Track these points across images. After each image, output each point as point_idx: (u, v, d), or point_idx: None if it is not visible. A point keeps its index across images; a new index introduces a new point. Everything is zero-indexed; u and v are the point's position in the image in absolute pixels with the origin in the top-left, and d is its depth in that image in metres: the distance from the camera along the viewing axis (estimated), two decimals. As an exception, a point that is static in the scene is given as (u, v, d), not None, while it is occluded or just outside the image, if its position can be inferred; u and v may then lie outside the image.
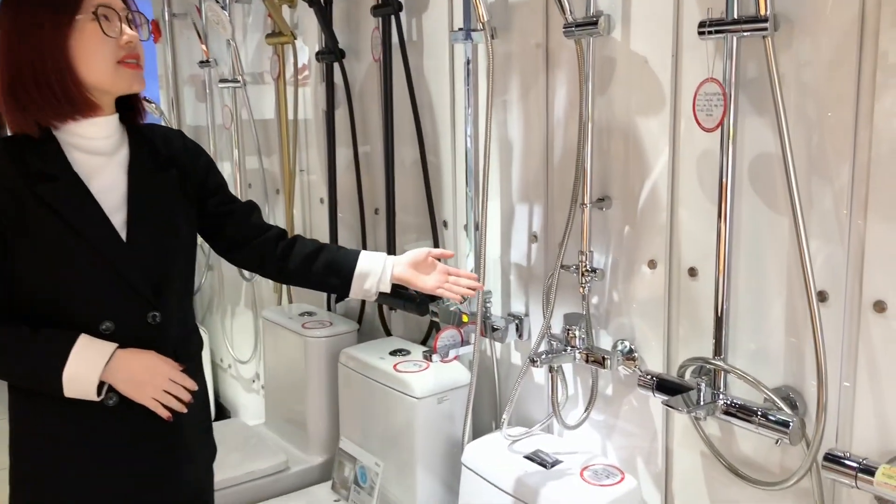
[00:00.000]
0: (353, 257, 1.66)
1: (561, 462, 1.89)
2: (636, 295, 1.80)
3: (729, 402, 1.51)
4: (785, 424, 1.40)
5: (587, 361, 1.82)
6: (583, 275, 1.83)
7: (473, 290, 1.70)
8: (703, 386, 1.54)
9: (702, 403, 1.51)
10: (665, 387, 1.61)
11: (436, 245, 2.37)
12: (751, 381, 1.49)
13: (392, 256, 1.69)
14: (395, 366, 2.27)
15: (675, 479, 1.78)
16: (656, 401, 1.79)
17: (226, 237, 1.64)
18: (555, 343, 1.87)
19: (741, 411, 1.49)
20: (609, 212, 1.83)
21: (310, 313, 2.82)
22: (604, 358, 1.79)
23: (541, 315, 2.05)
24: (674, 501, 1.80)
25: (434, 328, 2.46)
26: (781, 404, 1.44)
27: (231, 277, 3.71)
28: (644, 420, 1.83)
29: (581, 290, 1.84)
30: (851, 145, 1.38)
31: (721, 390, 1.55)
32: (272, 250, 1.65)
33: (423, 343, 2.51)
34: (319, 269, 1.65)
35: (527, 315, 2.11)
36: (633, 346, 1.81)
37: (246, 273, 3.53)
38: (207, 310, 4.07)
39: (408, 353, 2.37)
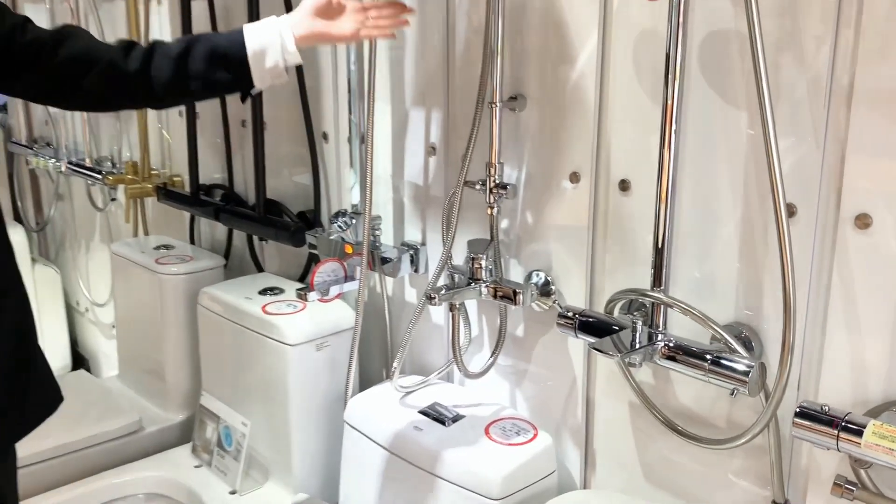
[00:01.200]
0: (236, 37, 1.25)
1: (463, 417, 1.57)
2: (555, 216, 1.48)
3: (671, 345, 1.22)
4: (744, 373, 1.12)
5: (495, 297, 1.50)
6: (491, 192, 1.49)
7: (401, 17, 1.36)
8: (638, 325, 1.24)
9: (637, 346, 1.22)
10: (591, 326, 1.31)
11: (314, 162, 1.98)
12: (698, 317, 1.20)
13: (284, 16, 1.28)
14: (264, 307, 1.89)
15: (598, 437, 1.50)
16: (576, 343, 1.49)
17: (58, 78, 1.21)
18: (457, 276, 1.53)
19: (688, 355, 1.19)
20: (523, 114, 1.49)
21: (167, 246, 2.39)
22: (515, 292, 1.47)
23: (440, 243, 1.71)
24: (595, 461, 1.52)
25: (313, 262, 2.09)
26: (735, 345, 1.16)
27: (83, 207, 3.20)
28: (561, 366, 1.54)
29: (489, 211, 1.51)
30: (835, 17, 1.08)
31: (660, 329, 1.25)
32: (123, 67, 1.22)
33: (301, 280, 2.14)
34: (199, 67, 1.24)
35: (423, 244, 1.77)
36: (549, 278, 1.50)
37: (99, 201, 3.04)
38: (60, 245, 3.54)
39: (281, 291, 2.00)
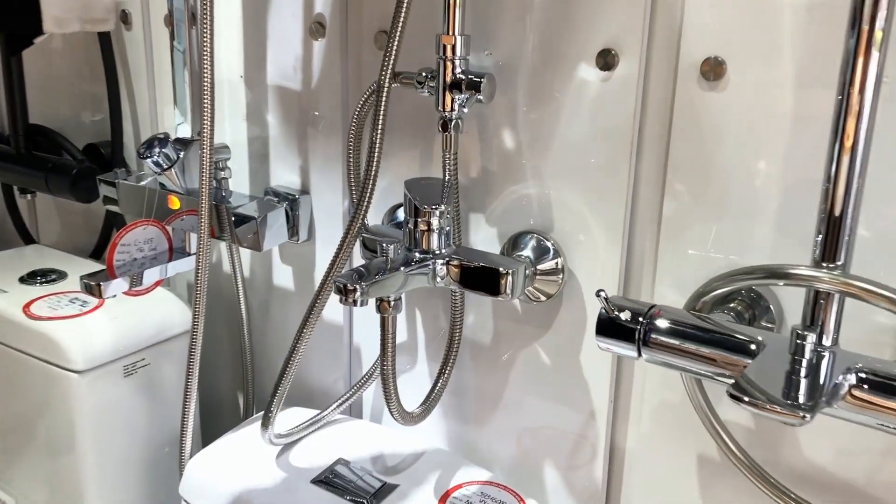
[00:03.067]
0: None
1: (393, 489, 0.90)
2: (566, 132, 0.82)
3: (873, 378, 0.60)
4: None
5: (461, 283, 0.82)
6: (447, 92, 0.81)
7: None
8: (808, 339, 0.61)
9: (822, 387, 0.59)
10: (692, 342, 0.67)
11: (108, 61, 1.20)
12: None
13: None
14: (27, 306, 1.11)
15: (637, 512, 0.88)
16: (594, 356, 0.86)
17: None
18: (381, 248, 0.83)
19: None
20: (504, -55, 0.81)
21: None
22: (498, 273, 0.80)
23: (336, 191, 1.01)
24: (629, 552, 0.90)
25: (114, 227, 1.31)
26: None
27: None
28: (566, 394, 0.90)
29: (443, 130, 0.82)
30: None
31: (831, 345, 0.63)
32: None
33: (96, 257, 1.36)
34: None
35: (305, 192, 1.06)
36: (553, 245, 0.85)
37: None
38: None
39: (60, 276, 1.21)
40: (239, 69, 1.08)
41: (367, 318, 1.07)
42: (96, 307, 1.10)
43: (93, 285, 0.96)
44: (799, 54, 0.69)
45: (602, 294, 0.70)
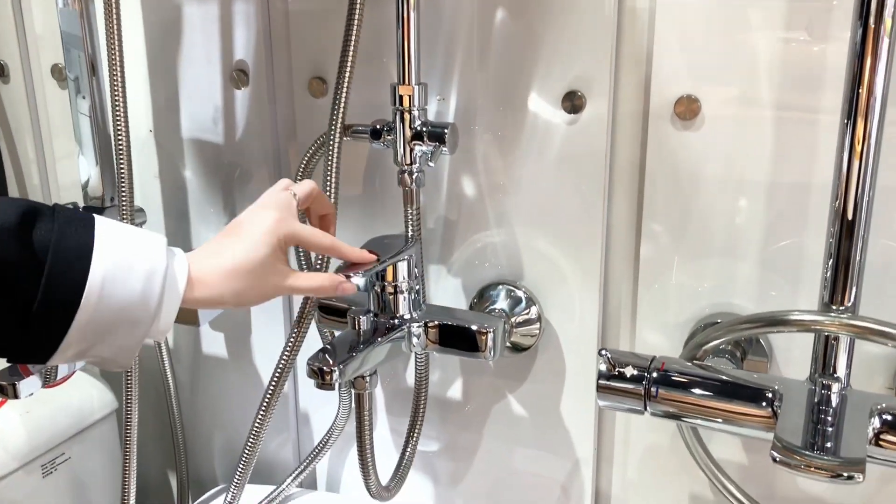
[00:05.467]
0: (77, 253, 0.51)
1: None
2: (534, 180, 0.78)
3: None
4: None
5: (442, 344, 0.77)
6: (407, 146, 0.75)
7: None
8: (835, 387, 0.60)
9: (857, 429, 0.58)
10: (712, 393, 0.65)
11: (-14, 121, 1.06)
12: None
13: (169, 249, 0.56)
14: (-83, 410, 0.96)
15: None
16: (575, 400, 0.83)
17: None
18: (354, 317, 0.76)
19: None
20: (454, -15, 0.76)
21: None
22: (479, 333, 0.75)
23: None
24: None
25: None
26: None
27: None
28: (547, 443, 0.86)
29: (405, 183, 0.77)
30: None
31: (841, 389, 0.62)
32: None
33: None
34: None
35: (234, 253, 0.97)
36: (528, 295, 0.81)
37: None
38: None
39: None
40: (147, 123, 0.98)
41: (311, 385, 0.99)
42: (1, 403, 0.97)
43: (5, 386, 0.84)
44: (776, 86, 0.68)
45: (605, 353, 0.67)
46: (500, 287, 0.81)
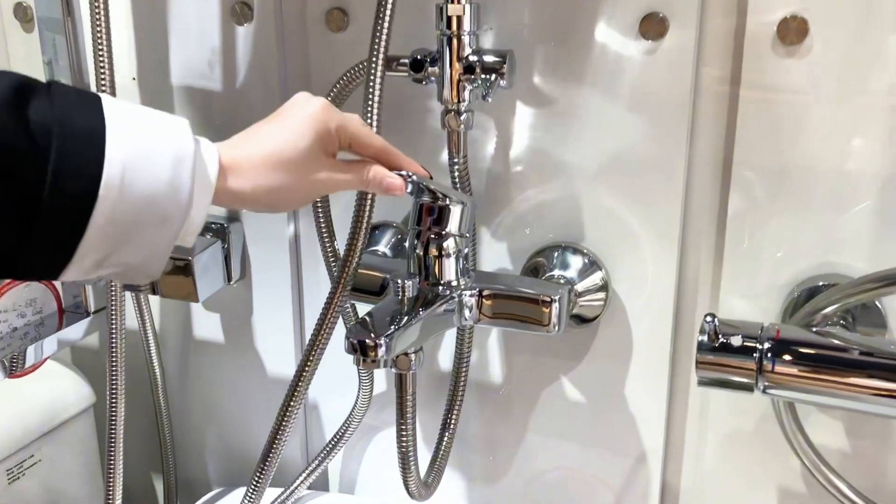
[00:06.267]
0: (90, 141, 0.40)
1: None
2: (599, 121, 0.67)
3: None
4: None
5: (495, 317, 0.65)
6: (457, 84, 0.63)
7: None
8: None
9: None
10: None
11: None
12: None
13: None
14: None
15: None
16: (642, 383, 0.71)
17: None
18: (398, 284, 0.64)
19: None
20: None
21: None
22: (543, 301, 0.63)
23: (274, 218, 0.81)
24: None
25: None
26: None
27: None
28: (606, 434, 0.75)
29: (450, 124, 0.64)
30: None
31: None
32: None
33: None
34: None
35: (235, 219, 0.84)
36: (594, 259, 0.69)
37: None
38: None
39: None
40: (129, 70, 0.84)
41: (322, 369, 0.86)
42: (-43, 396, 0.82)
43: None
44: (903, 6, 0.57)
45: (711, 319, 0.55)
46: (558, 251, 0.70)
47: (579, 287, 0.68)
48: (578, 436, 0.76)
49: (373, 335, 0.57)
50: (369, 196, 0.62)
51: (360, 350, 0.57)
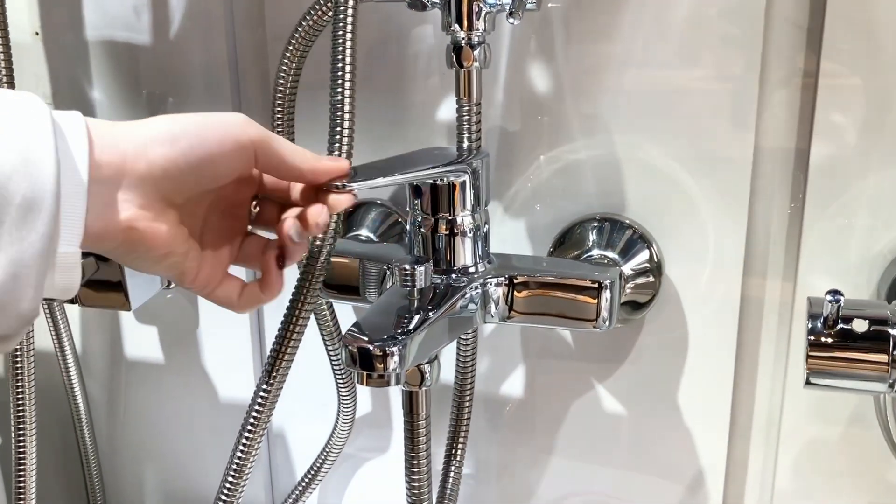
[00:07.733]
0: None
1: None
2: (635, 41, 0.53)
3: None
4: None
5: (529, 311, 0.50)
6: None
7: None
8: None
9: None
10: None
11: None
12: None
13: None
14: None
15: None
16: (708, 393, 0.58)
17: None
18: (405, 272, 0.48)
19: None
20: None
21: None
22: (595, 286, 0.48)
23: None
24: None
25: None
26: None
27: None
28: (670, 451, 0.61)
29: (460, 34, 0.49)
30: None
31: None
32: None
33: None
34: None
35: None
36: (638, 230, 0.55)
37: None
38: None
39: None
40: (30, 21, 0.67)
41: (289, 389, 0.70)
42: None
43: None
44: None
45: (833, 297, 0.42)
46: (595, 224, 0.55)
47: (625, 267, 0.54)
48: (616, 456, 0.62)
49: (378, 341, 0.41)
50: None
51: (363, 362, 0.41)
